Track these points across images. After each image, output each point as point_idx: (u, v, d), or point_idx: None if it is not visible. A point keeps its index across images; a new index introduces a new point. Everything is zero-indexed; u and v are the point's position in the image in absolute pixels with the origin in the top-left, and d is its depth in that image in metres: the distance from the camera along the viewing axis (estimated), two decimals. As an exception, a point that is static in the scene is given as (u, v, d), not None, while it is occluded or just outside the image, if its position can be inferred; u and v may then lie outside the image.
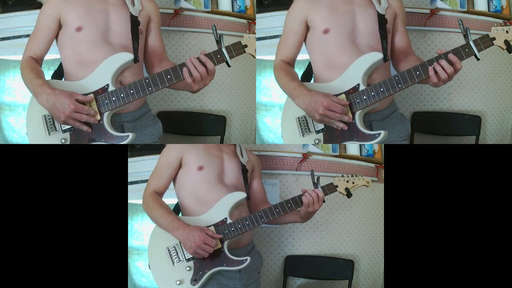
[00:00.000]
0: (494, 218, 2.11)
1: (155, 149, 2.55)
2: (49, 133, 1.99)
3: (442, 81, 1.92)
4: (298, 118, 2.09)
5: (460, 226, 2.12)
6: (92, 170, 2.12)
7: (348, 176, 2.19)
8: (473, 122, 2.72)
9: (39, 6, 2.49)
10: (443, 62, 1.90)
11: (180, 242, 2.07)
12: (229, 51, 1.98)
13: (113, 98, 1.96)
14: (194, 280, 2.05)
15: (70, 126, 1.97)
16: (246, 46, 2.01)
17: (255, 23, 2.73)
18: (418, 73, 1.93)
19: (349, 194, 2.19)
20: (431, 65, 1.92)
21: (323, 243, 2.72)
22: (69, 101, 1.91)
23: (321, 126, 2.05)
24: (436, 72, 1.91)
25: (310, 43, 2.13)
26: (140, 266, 2.64)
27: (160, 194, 2.18)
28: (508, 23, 2.68)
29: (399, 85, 1.95)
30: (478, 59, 1.92)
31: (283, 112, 2.15)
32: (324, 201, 2.13)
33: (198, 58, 1.96)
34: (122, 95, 1.97)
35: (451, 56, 1.91)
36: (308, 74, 2.24)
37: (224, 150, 2.26)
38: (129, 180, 2.58)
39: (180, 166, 2.19)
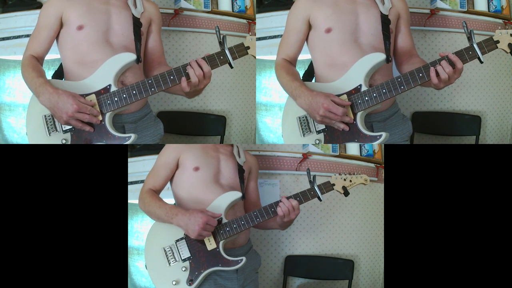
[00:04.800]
0: (494, 218, 2.11)
1: (155, 149, 2.54)
2: (49, 133, 1.99)
3: (443, 82, 1.91)
4: (299, 117, 2.08)
5: (460, 226, 2.12)
6: (92, 170, 2.12)
7: (345, 174, 2.16)
8: (473, 122, 2.72)
9: (39, 6, 2.49)
10: (443, 62, 1.89)
11: (176, 242, 2.09)
12: (232, 53, 1.98)
13: (115, 99, 1.96)
14: (190, 281, 2.05)
15: (71, 127, 1.97)
16: (248, 47, 2.01)
17: (255, 23, 2.73)
18: (421, 75, 1.93)
19: (346, 193, 2.15)
20: (433, 66, 1.91)
21: (323, 243, 2.72)
22: (72, 101, 1.90)
23: (322, 126, 2.05)
24: (437, 74, 1.90)
25: (312, 42, 2.13)
26: (140, 266, 2.64)
27: (156, 192, 2.18)
28: (508, 23, 2.69)
29: (402, 87, 1.94)
30: (481, 62, 1.91)
31: (284, 111, 2.15)
32: (321, 200, 2.13)
33: (196, 61, 1.95)
34: (124, 95, 1.96)
35: (451, 56, 1.90)
36: (310, 73, 2.24)
37: (221, 150, 2.25)
38: (129, 180, 2.58)
39: (177, 167, 2.19)
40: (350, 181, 2.16)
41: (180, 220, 2.02)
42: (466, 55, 1.90)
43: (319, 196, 2.13)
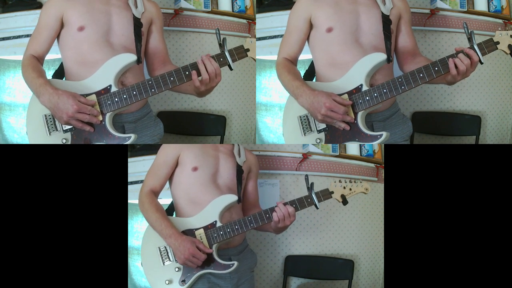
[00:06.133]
0: (494, 218, 2.11)
1: (155, 149, 2.53)
2: (49, 133, 1.99)
3: (461, 74, 1.92)
4: (300, 117, 2.08)
5: (460, 226, 2.12)
6: (92, 170, 2.12)
7: (346, 182, 2.12)
8: (473, 122, 2.72)
9: (39, 6, 2.49)
10: (461, 55, 1.91)
11: None
12: (232, 55, 1.99)
13: (116, 99, 1.96)
14: (183, 281, 2.06)
15: (71, 126, 1.97)
16: (248, 50, 2.02)
17: (255, 23, 2.73)
18: (421, 75, 1.93)
19: (344, 202, 2.11)
20: (449, 59, 1.92)
21: (323, 243, 2.72)
22: (72, 101, 1.90)
23: (322, 125, 2.05)
24: (455, 66, 1.91)
25: (313, 41, 2.13)
26: (140, 266, 2.63)
27: (156, 193, 2.18)
28: (508, 24, 2.69)
29: (402, 87, 1.95)
30: (481, 63, 1.92)
31: (285, 110, 2.15)
32: (317, 207, 2.10)
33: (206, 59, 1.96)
34: (124, 96, 1.96)
35: (468, 50, 1.91)
36: (311, 73, 2.24)
37: (221, 149, 2.25)
38: (129, 180, 2.58)
39: (176, 165, 2.19)
40: (350, 189, 2.12)
41: (172, 243, 2.04)
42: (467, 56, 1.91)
43: (316, 204, 2.10)
